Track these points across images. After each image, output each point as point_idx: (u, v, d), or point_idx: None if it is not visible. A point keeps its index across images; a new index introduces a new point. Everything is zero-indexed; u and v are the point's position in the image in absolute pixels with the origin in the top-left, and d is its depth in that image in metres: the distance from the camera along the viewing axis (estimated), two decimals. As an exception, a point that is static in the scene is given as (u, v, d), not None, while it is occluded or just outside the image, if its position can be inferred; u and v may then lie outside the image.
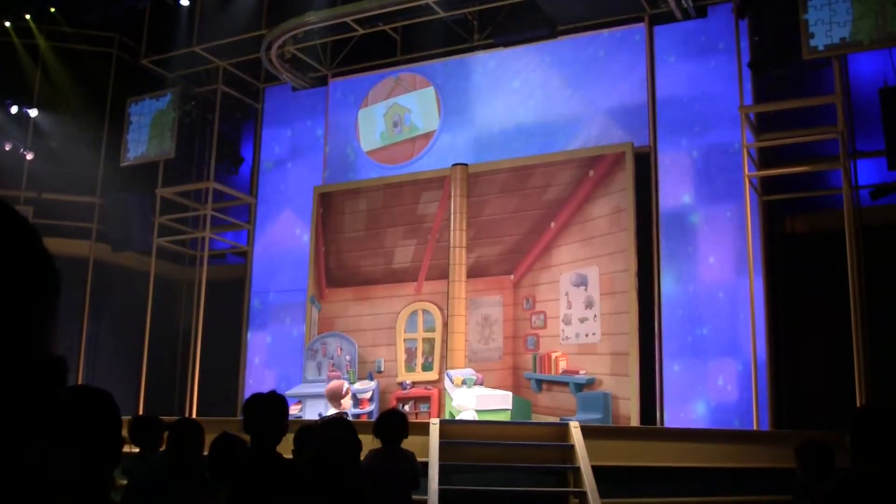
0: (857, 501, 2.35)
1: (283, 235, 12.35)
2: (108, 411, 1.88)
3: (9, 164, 12.16)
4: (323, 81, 12.55)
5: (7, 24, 12.24)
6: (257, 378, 12.03)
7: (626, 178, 9.64)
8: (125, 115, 12.39)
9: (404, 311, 10.81)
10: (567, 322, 9.76)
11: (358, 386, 10.30)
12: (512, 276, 10.34)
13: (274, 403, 3.27)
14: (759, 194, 9.33)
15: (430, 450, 6.98)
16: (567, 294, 9.83)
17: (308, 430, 3.88)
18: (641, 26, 10.34)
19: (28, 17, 12.23)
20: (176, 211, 12.46)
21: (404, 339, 10.74)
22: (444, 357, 10.28)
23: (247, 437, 3.31)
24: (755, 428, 8.33)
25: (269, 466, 3.09)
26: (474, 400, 8.61)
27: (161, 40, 12.41)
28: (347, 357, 10.58)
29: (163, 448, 4.52)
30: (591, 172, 9.95)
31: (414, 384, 10.26)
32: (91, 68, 12.66)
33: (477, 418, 8.58)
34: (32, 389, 0.73)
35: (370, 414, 9.69)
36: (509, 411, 9.06)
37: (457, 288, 10.30)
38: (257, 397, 3.33)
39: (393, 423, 4.67)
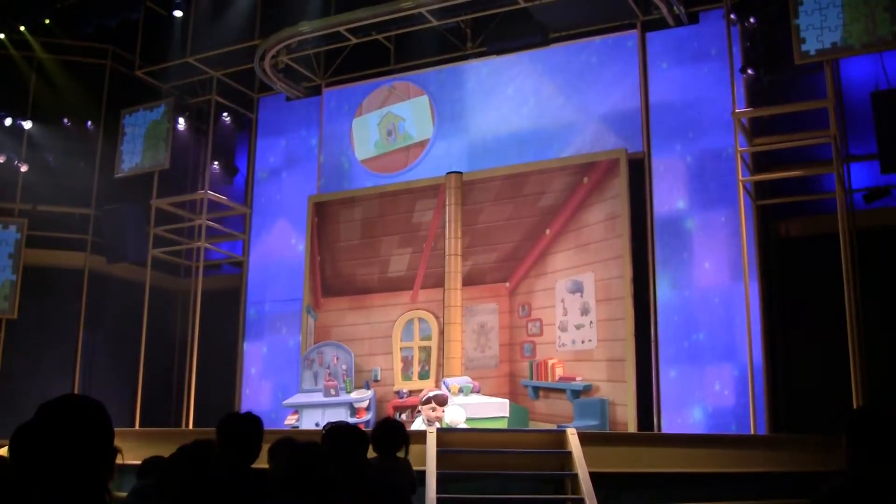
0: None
1: (279, 245, 12.34)
2: (99, 420, 1.88)
3: (3, 177, 12.13)
4: (317, 91, 12.57)
5: (1, 35, 12.23)
6: (254, 388, 12.01)
7: (620, 185, 9.67)
8: (119, 127, 12.38)
9: (400, 320, 10.81)
10: (563, 329, 9.76)
11: (354, 395, 10.30)
12: (507, 284, 10.34)
13: (254, 423, 3.38)
14: (753, 199, 9.35)
15: (428, 458, 6.96)
16: (563, 301, 9.83)
17: (283, 441, 3.85)
18: (634, 33, 10.38)
19: (22, 28, 12.24)
20: (171, 222, 12.44)
21: (401, 348, 10.73)
22: (440, 365, 10.28)
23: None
24: (752, 432, 8.34)
25: (247, 480, 3.09)
26: (463, 415, 8.56)
27: (155, 51, 12.43)
28: (344, 366, 10.57)
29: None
30: (586, 179, 9.97)
31: (411, 393, 10.25)
32: (85, 80, 12.65)
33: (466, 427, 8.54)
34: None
35: (367, 423, 9.68)
36: (506, 419, 9.05)
37: (453, 296, 10.30)
38: (237, 417, 3.42)
39: (389, 433, 4.65)
